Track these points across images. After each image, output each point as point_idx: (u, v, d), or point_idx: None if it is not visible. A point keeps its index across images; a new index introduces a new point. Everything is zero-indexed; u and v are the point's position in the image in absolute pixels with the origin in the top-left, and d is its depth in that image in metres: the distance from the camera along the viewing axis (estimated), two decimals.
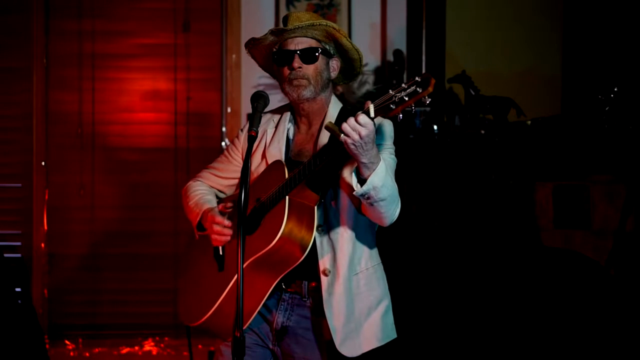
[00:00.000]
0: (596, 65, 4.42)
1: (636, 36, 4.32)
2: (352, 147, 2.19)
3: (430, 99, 2.11)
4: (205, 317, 2.50)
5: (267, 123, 2.62)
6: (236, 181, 2.69)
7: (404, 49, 4.64)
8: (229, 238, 2.48)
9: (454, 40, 4.58)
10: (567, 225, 3.98)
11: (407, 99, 2.11)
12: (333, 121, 2.49)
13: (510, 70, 4.59)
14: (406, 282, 3.74)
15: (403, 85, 2.13)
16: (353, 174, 2.28)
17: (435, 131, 4.28)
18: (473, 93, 4.33)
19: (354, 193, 2.27)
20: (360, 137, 2.17)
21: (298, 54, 2.46)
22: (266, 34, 2.51)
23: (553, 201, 4.00)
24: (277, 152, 2.54)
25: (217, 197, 2.71)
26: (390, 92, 2.15)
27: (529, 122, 4.14)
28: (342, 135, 2.18)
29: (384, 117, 2.17)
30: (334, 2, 4.70)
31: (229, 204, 2.53)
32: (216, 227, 2.48)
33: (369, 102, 2.19)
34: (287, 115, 2.60)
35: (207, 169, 2.76)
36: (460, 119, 4.53)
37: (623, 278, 3.82)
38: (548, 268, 3.79)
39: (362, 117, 2.17)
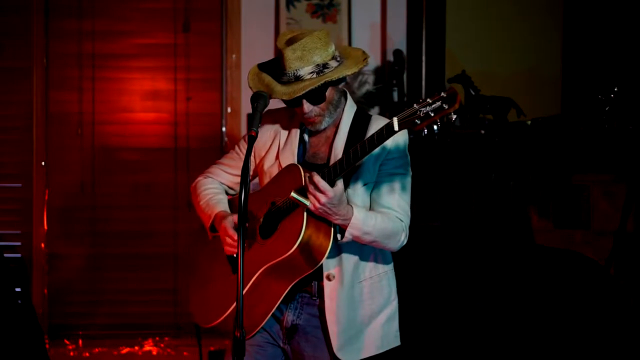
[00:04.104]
0: (596, 65, 4.42)
1: (636, 36, 4.32)
2: (321, 212, 2.26)
3: (456, 115, 2.11)
4: (220, 319, 2.50)
5: (281, 123, 2.59)
6: None
7: (404, 49, 4.64)
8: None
9: (454, 40, 4.58)
10: (567, 225, 3.98)
11: (432, 114, 2.11)
12: (347, 129, 2.48)
13: (510, 70, 4.59)
14: (406, 283, 3.74)
15: (428, 100, 2.13)
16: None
17: (435, 131, 4.27)
18: (473, 93, 4.33)
19: (337, 243, 2.36)
20: (322, 204, 2.23)
21: (307, 99, 2.40)
22: (265, 91, 2.43)
23: (553, 201, 4.00)
24: (290, 155, 2.52)
25: (226, 193, 2.70)
26: (415, 106, 2.14)
27: (529, 122, 4.14)
28: (308, 203, 2.25)
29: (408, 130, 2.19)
30: (334, 2, 4.70)
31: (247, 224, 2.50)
32: (228, 240, 2.48)
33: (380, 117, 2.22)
34: None
35: (216, 164, 2.74)
36: (460, 119, 4.53)
37: (623, 278, 3.82)
38: (548, 268, 3.79)
39: (322, 184, 2.22)
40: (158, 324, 4.78)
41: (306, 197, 2.26)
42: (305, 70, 2.38)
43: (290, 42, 2.42)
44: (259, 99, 2.42)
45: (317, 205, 2.24)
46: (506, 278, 3.79)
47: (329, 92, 2.43)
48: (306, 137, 2.56)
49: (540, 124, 4.11)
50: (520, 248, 3.98)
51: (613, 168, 3.92)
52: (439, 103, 2.10)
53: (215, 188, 2.68)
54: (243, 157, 2.63)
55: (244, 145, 2.67)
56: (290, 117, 2.60)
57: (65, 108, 4.80)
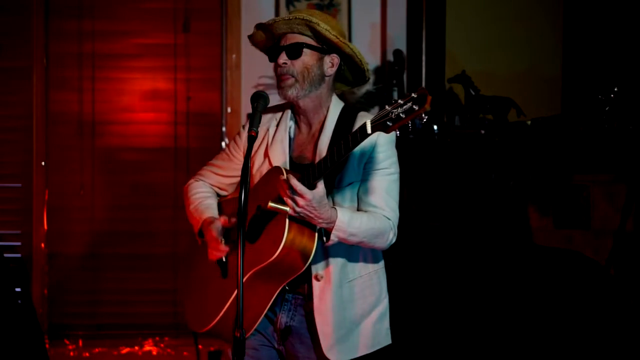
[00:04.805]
0: (596, 65, 4.42)
1: (636, 36, 4.32)
2: (302, 215, 2.26)
3: (427, 116, 2.10)
4: (212, 323, 2.50)
5: (269, 121, 2.59)
6: (237, 179, 2.66)
7: (404, 49, 4.64)
8: (222, 255, 2.48)
9: (454, 40, 4.58)
10: (567, 225, 3.98)
11: (403, 116, 2.10)
12: (332, 128, 2.48)
13: (510, 70, 4.59)
14: (405, 283, 3.74)
15: (399, 101, 2.12)
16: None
17: (435, 131, 4.29)
18: (473, 93, 4.33)
19: (325, 245, 2.36)
20: (301, 207, 2.22)
21: (284, 49, 2.45)
22: (254, 30, 2.53)
23: (553, 201, 4.00)
24: (281, 152, 2.51)
25: (218, 195, 2.70)
26: (387, 107, 2.14)
27: (529, 122, 4.14)
28: (288, 209, 2.25)
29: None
30: (334, 2, 4.70)
31: (233, 220, 2.49)
32: (212, 244, 2.48)
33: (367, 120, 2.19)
34: (288, 113, 2.58)
35: (208, 166, 2.73)
36: (460, 119, 4.53)
37: (623, 278, 3.82)
38: (548, 268, 3.79)
39: (300, 187, 2.21)
40: (158, 324, 4.78)
41: (285, 204, 2.25)
42: (283, 18, 2.45)
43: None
44: (259, 98, 2.43)
45: (297, 208, 2.24)
46: (506, 278, 3.79)
47: (308, 56, 2.45)
48: (292, 134, 2.55)
49: (540, 124, 4.11)
50: (521, 248, 3.99)
51: (613, 168, 3.92)
52: (409, 104, 2.09)
53: (205, 192, 2.67)
54: (233, 157, 2.64)
55: (234, 146, 2.66)
56: (279, 115, 2.60)
57: (65, 108, 4.80)
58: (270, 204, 2.26)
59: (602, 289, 3.69)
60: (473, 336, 3.70)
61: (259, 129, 2.55)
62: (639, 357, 3.51)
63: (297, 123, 2.57)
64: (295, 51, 2.44)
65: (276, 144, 2.53)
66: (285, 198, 2.25)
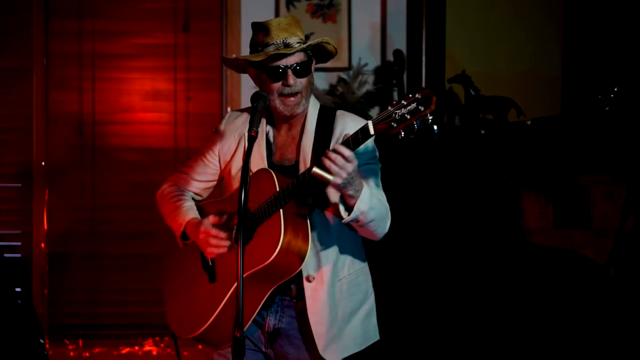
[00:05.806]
0: (596, 65, 4.42)
1: (636, 36, 4.32)
2: (341, 184, 2.18)
3: (432, 117, 2.06)
4: (201, 330, 2.46)
5: (244, 125, 2.53)
6: (212, 184, 2.65)
7: (404, 49, 4.65)
8: (225, 250, 2.42)
9: (454, 40, 4.58)
10: (567, 225, 3.98)
11: (408, 117, 2.07)
12: (313, 127, 2.46)
13: (510, 70, 4.59)
14: (405, 283, 3.74)
15: (402, 101, 2.09)
16: (339, 202, 2.27)
17: (435, 131, 4.29)
18: (473, 93, 4.34)
19: (343, 222, 2.27)
20: (349, 173, 2.16)
21: (293, 70, 2.39)
22: (260, 54, 2.40)
23: (553, 201, 4.00)
24: (259, 157, 2.48)
25: (193, 200, 2.66)
26: (390, 108, 2.10)
27: (529, 122, 4.14)
28: (332, 178, 2.16)
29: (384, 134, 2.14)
30: (334, 2, 4.70)
31: (225, 217, 2.45)
32: (213, 241, 2.42)
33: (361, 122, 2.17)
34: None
35: (181, 172, 2.68)
36: (460, 119, 4.53)
37: (623, 278, 3.82)
38: (548, 268, 3.80)
39: (348, 153, 2.14)
40: (158, 324, 4.76)
41: (327, 172, 2.17)
42: (293, 40, 2.39)
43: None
44: (259, 98, 2.41)
45: (344, 175, 2.16)
46: (506, 278, 3.79)
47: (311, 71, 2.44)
48: (271, 138, 2.52)
49: (540, 124, 4.11)
50: (520, 248, 3.99)
51: (613, 168, 3.92)
52: (414, 105, 2.06)
53: (183, 195, 2.63)
54: (209, 163, 2.61)
55: (208, 152, 2.62)
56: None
57: (65, 108, 4.80)
58: (315, 170, 2.18)
59: (602, 289, 3.69)
60: (475, 336, 3.70)
61: (235, 133, 2.55)
62: (639, 357, 3.51)
63: (274, 125, 2.53)
64: (304, 70, 2.40)
65: (254, 150, 2.46)
66: (333, 167, 2.16)
